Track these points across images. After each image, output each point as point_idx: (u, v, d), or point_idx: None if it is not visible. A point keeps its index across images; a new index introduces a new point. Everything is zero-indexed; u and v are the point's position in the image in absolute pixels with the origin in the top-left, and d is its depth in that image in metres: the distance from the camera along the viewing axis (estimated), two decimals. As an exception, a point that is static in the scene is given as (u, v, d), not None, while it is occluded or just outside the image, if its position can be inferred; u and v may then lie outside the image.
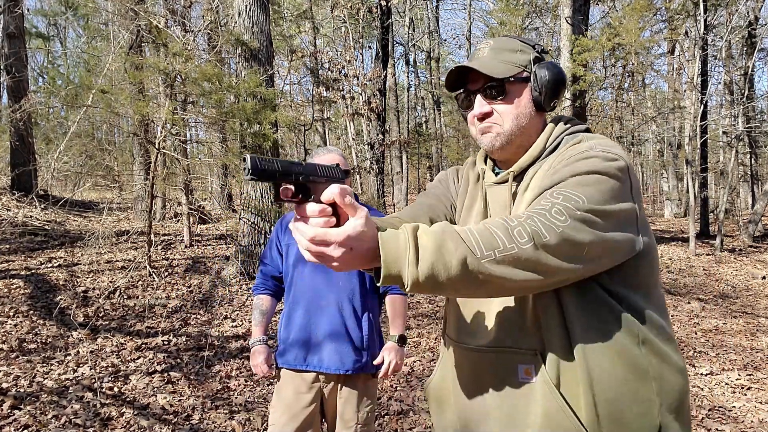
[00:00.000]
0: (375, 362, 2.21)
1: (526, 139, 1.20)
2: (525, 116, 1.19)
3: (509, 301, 1.13)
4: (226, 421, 3.57)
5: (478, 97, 1.19)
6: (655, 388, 1.07)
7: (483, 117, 1.19)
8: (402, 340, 2.27)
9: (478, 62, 1.18)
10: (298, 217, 0.89)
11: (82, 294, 5.86)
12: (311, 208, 0.87)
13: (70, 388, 3.86)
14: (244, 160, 0.84)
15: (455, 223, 1.32)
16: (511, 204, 1.18)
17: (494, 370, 1.13)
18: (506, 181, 1.20)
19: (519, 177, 1.20)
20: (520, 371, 1.09)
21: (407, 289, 0.90)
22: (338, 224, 0.89)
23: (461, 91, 1.23)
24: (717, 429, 3.59)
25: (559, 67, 1.20)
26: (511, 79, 1.17)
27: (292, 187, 0.89)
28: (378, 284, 0.91)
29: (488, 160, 1.31)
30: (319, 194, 0.89)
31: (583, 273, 1.01)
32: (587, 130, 1.24)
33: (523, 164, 1.19)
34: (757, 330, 6.24)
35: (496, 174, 1.26)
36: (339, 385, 2.22)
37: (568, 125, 1.22)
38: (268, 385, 4.15)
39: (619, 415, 1.05)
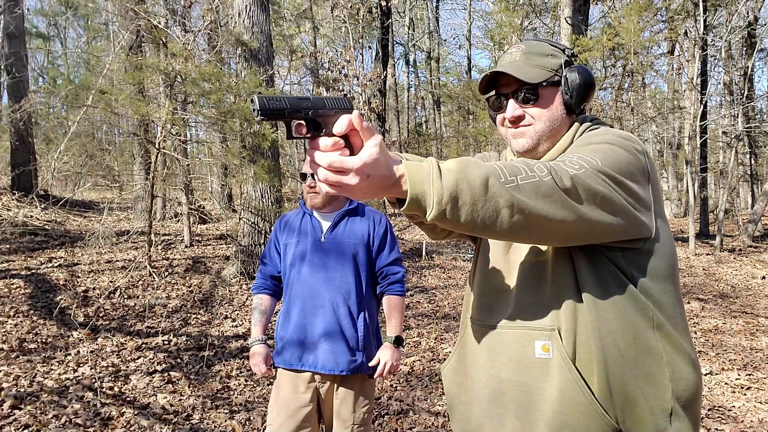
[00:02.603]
0: (370, 364, 2.21)
1: (554, 141, 1.24)
2: (557, 119, 1.22)
3: (527, 280, 1.16)
4: (226, 420, 3.57)
5: (511, 101, 1.22)
6: (668, 373, 1.10)
7: (515, 120, 1.22)
8: (398, 341, 2.27)
9: (511, 67, 1.21)
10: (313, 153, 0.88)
11: (82, 294, 5.86)
12: (324, 142, 0.86)
13: (71, 387, 3.86)
14: (252, 101, 0.84)
15: None
16: None
17: (511, 346, 1.16)
18: None
19: None
20: (537, 347, 1.12)
21: (430, 215, 0.88)
22: (352, 155, 0.88)
23: (492, 93, 1.27)
24: (717, 429, 3.59)
25: (589, 71, 1.23)
26: (544, 83, 1.20)
27: (304, 123, 0.88)
28: (401, 210, 0.90)
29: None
30: (331, 127, 0.88)
31: (596, 226, 1.01)
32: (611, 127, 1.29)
33: (551, 158, 1.22)
34: (757, 330, 6.24)
35: None
36: (335, 385, 2.23)
37: (593, 122, 1.27)
38: (268, 384, 4.15)
39: (631, 394, 1.08)
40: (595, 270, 1.10)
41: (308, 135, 0.88)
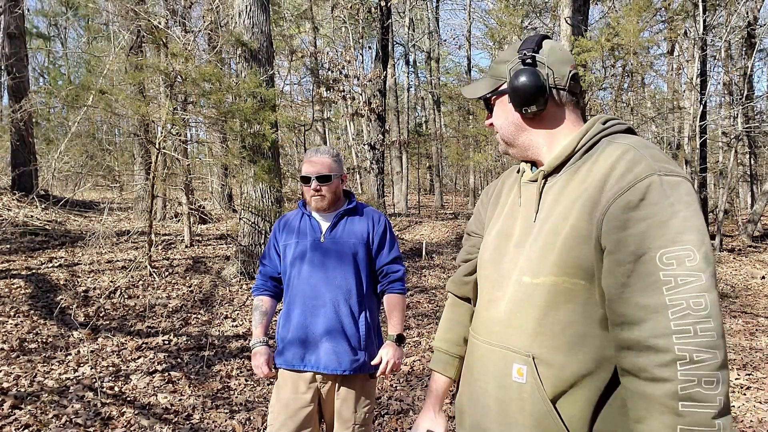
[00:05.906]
0: (372, 362, 2.21)
1: (523, 146, 1.24)
2: (510, 124, 1.24)
3: (521, 304, 1.14)
4: (226, 420, 3.58)
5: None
6: None
7: (490, 126, 1.33)
8: (400, 340, 2.27)
9: (470, 84, 1.32)
10: None
11: (82, 294, 5.87)
12: None
13: (71, 387, 3.87)
14: None
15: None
16: (537, 201, 1.18)
17: (494, 365, 1.17)
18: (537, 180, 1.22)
19: (553, 174, 1.18)
20: (513, 370, 1.13)
21: None
22: None
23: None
24: (715, 428, 3.59)
25: (528, 72, 1.15)
26: (489, 95, 1.26)
27: None
28: None
29: None
30: None
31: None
32: (629, 130, 1.18)
33: (553, 164, 1.17)
34: (757, 330, 6.25)
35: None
36: (337, 385, 2.22)
37: (606, 125, 1.17)
38: (268, 384, 4.16)
39: None
40: (601, 320, 1.06)
41: None
